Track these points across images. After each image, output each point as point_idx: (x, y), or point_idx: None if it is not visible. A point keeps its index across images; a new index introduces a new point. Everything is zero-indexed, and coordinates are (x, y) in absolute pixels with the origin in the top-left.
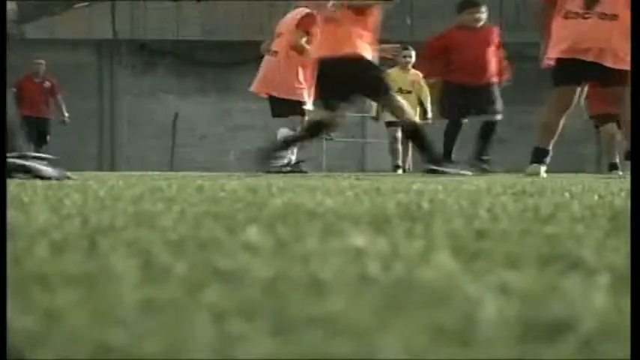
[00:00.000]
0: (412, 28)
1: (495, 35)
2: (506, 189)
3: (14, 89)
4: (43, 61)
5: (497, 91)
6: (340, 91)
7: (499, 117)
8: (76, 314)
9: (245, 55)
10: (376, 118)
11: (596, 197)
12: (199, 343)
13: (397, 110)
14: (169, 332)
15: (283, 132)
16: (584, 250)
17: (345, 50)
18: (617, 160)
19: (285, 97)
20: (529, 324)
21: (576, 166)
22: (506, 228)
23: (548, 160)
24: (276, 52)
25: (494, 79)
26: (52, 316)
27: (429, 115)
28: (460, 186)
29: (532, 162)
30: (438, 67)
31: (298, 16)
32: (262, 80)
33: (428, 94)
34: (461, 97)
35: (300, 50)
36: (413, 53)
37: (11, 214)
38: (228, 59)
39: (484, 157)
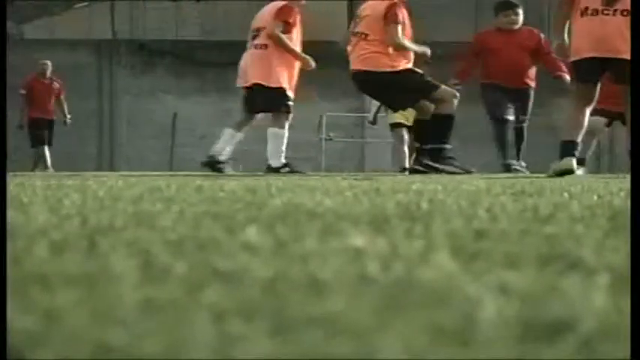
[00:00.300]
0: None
1: (533, 38)
2: (505, 189)
3: (23, 91)
4: (48, 62)
5: (531, 96)
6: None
7: (525, 123)
8: (75, 314)
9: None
10: (373, 123)
11: (595, 197)
12: (199, 343)
13: (443, 103)
14: (169, 332)
15: (272, 131)
16: (584, 250)
17: (378, 65)
18: (586, 157)
19: (274, 85)
20: (529, 324)
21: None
22: (505, 228)
23: (577, 153)
24: (265, 46)
25: (531, 83)
26: (52, 316)
27: None
28: (459, 186)
29: (562, 156)
30: (469, 68)
31: (275, 9)
32: (250, 73)
33: None
34: (500, 94)
35: (276, 40)
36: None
37: (11, 215)
38: (228, 59)
39: (511, 163)
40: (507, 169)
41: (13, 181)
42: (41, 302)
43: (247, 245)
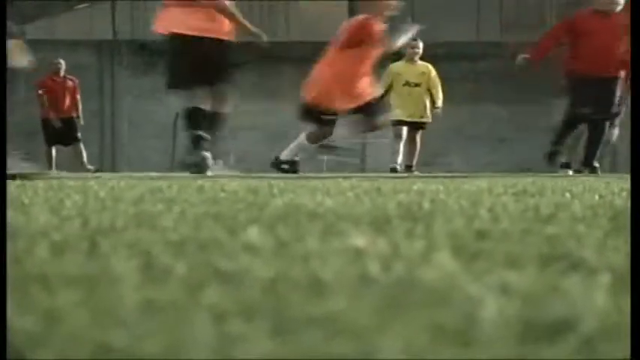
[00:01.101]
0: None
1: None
2: (507, 189)
3: (40, 91)
4: (62, 60)
5: (619, 87)
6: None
7: (609, 118)
8: (76, 315)
9: (245, 55)
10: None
11: (596, 197)
12: (199, 343)
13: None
14: (169, 333)
15: (303, 136)
16: (585, 250)
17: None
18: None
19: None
20: (530, 324)
21: (576, 166)
22: (506, 228)
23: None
24: None
25: (619, 73)
26: (53, 316)
27: (439, 104)
28: (461, 186)
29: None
30: (549, 47)
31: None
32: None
33: (438, 84)
34: (587, 89)
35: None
36: (420, 45)
37: (11, 215)
38: (228, 59)
39: (595, 165)
40: (550, 157)
41: (13, 182)
42: (41, 303)
43: (248, 246)
